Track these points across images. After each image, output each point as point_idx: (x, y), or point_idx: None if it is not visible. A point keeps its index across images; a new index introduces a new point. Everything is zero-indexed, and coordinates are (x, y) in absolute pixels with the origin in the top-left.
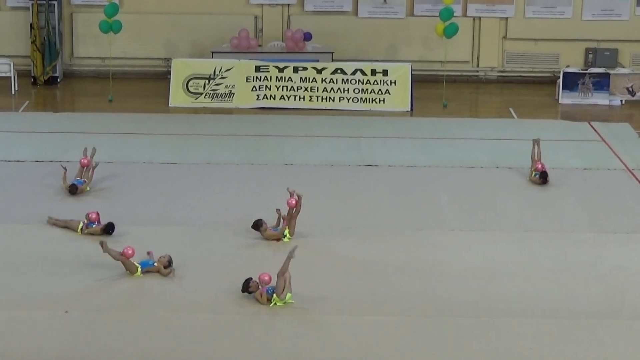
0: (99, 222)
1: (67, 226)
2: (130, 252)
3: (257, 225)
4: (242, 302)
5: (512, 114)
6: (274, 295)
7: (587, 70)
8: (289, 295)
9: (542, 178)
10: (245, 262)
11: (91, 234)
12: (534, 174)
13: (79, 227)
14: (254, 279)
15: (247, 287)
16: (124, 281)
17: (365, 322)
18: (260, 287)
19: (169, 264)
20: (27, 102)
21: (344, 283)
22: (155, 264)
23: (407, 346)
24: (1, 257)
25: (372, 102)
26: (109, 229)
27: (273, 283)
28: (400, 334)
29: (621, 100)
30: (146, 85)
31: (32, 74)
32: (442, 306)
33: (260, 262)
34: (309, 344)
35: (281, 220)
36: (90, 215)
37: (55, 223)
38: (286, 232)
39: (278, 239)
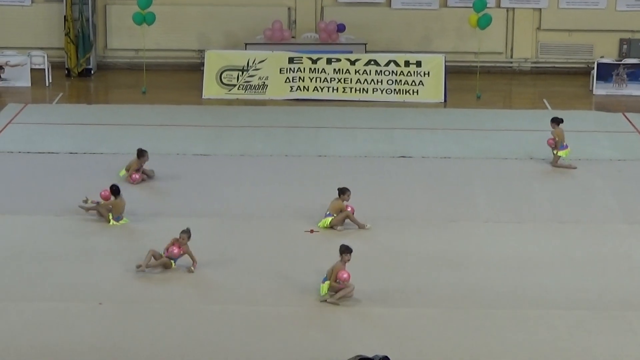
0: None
1: (98, 210)
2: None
3: (345, 190)
4: (276, 293)
5: (546, 105)
6: (325, 288)
7: (621, 61)
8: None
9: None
10: (279, 254)
11: (119, 220)
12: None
13: (110, 218)
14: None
15: (348, 250)
16: (157, 273)
17: (400, 313)
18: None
19: (188, 237)
20: (61, 94)
21: (378, 275)
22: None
23: (442, 338)
24: (35, 249)
25: (405, 94)
26: (114, 192)
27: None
28: (434, 326)
29: None
30: (180, 77)
31: (66, 66)
32: (476, 298)
33: (294, 253)
34: (345, 336)
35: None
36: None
37: (88, 208)
38: (328, 220)
39: (334, 217)
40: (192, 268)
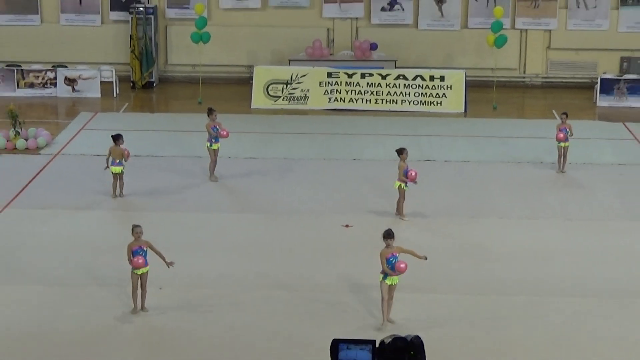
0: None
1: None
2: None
3: (401, 150)
4: (315, 280)
5: (555, 116)
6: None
7: (622, 76)
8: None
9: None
10: (318, 245)
11: (113, 164)
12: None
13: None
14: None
15: (391, 235)
16: (210, 261)
17: (428, 299)
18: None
19: (141, 231)
20: (127, 104)
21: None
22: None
23: (464, 320)
24: (107, 241)
25: (430, 105)
26: (114, 138)
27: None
28: (457, 309)
29: None
30: (231, 89)
31: (131, 80)
32: (494, 285)
33: (331, 245)
34: (379, 317)
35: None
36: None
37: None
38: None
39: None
40: (168, 264)
